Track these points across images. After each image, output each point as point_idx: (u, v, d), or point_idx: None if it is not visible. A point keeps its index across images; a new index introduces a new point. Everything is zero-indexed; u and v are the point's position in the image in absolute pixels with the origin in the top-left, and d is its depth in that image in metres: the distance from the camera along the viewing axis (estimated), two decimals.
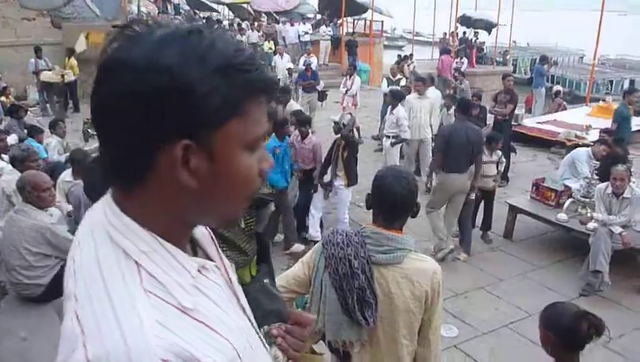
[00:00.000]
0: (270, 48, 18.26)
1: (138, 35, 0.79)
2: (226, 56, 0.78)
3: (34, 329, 3.75)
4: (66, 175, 6.16)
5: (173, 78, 0.74)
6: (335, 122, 6.63)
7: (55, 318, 3.94)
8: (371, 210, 2.25)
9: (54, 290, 4.12)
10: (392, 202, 2.13)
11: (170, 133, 0.76)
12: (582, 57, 29.54)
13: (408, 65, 17.75)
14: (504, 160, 7.07)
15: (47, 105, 13.29)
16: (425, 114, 8.48)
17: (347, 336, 2.17)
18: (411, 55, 19.52)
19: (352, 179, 6.44)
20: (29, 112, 9.28)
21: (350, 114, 6.94)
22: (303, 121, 6.78)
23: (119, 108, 0.76)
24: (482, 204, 6.87)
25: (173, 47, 0.76)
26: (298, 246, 6.46)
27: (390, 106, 8.39)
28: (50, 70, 13.06)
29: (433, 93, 9.39)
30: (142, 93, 0.75)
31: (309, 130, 6.72)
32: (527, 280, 5.98)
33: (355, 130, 11.60)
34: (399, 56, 19.01)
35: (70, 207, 5.79)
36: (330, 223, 6.77)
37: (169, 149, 0.77)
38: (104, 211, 0.84)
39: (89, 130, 8.01)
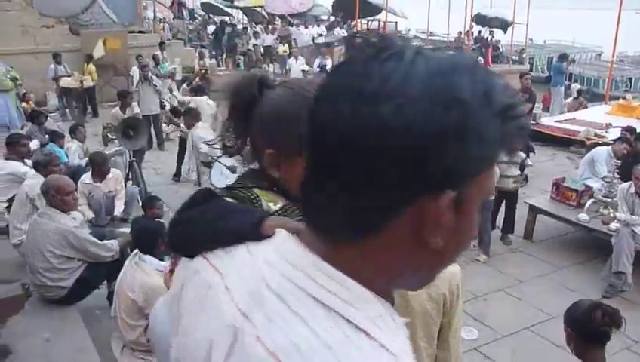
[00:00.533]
0: (285, 51, 18.32)
1: (398, 53, 0.64)
2: (507, 97, 0.66)
3: (57, 330, 3.81)
4: (86, 177, 6.26)
5: (466, 115, 0.61)
6: None
7: (78, 320, 4.01)
8: None
9: (77, 293, 4.20)
10: None
11: (439, 180, 0.62)
12: (599, 54, 29.18)
13: None
14: (530, 164, 6.96)
15: (67, 110, 13.48)
16: None
17: None
18: None
19: None
20: (48, 118, 9.40)
21: None
22: None
23: (385, 147, 0.61)
24: (504, 205, 6.79)
25: (464, 78, 0.62)
26: None
27: None
28: (69, 76, 13.25)
29: None
30: (423, 131, 0.60)
31: None
32: (548, 282, 5.92)
33: None
34: None
35: (91, 214, 5.88)
36: None
37: (428, 200, 0.63)
38: (301, 268, 0.70)
39: (108, 135, 8.11)
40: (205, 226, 0.92)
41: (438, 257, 0.70)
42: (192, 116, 7.35)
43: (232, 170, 5.96)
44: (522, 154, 6.75)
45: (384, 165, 0.61)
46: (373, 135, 0.60)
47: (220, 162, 6.25)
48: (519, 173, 6.71)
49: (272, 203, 1.12)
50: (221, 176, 6.27)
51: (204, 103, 8.87)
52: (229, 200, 1.08)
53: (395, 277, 0.72)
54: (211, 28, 22.88)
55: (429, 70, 0.62)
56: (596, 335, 2.32)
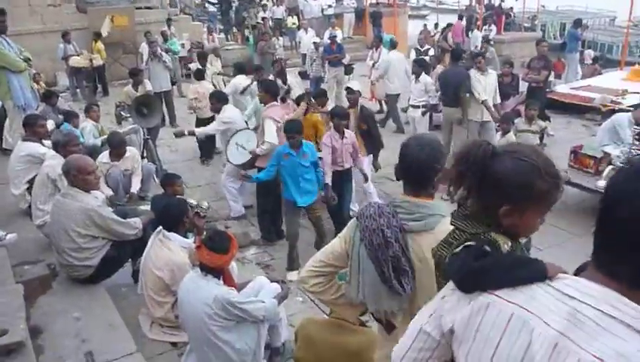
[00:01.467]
0: (294, 23, 18.12)
1: None
2: None
3: (86, 309, 3.87)
4: (103, 157, 6.31)
5: None
6: (351, 90, 6.62)
7: (107, 298, 4.07)
8: (402, 181, 2.26)
9: (103, 271, 4.26)
10: (417, 169, 2.15)
11: None
12: (613, 19, 28.57)
13: (434, 35, 17.48)
14: (552, 133, 6.90)
15: (77, 90, 13.49)
16: (489, 93, 7.59)
17: (388, 306, 2.20)
18: (436, 24, 19.22)
19: (368, 148, 6.57)
20: (60, 98, 9.40)
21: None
22: (342, 115, 5.96)
23: None
24: None
25: None
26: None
27: (415, 75, 8.27)
28: (78, 55, 13.21)
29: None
30: None
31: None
32: (566, 250, 5.91)
33: (383, 102, 11.62)
34: (425, 25, 18.72)
35: (110, 191, 5.93)
36: (361, 198, 6.77)
37: None
38: (606, 301, 1.06)
39: (122, 113, 8.10)
40: (503, 272, 1.30)
41: None
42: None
43: (251, 151, 6.18)
44: (542, 123, 6.69)
45: None
46: None
47: (233, 141, 6.33)
48: (538, 142, 6.68)
49: (504, 243, 1.44)
50: (237, 153, 6.33)
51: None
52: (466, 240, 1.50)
53: None
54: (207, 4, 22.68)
55: None
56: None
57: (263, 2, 20.39)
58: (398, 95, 10.15)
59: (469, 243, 1.46)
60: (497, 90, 7.77)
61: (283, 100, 6.86)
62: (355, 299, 2.27)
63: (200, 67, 10.58)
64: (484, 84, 7.57)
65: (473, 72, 7.75)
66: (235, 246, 3.28)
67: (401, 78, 9.91)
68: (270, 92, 6.48)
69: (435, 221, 2.12)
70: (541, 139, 6.81)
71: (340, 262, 2.35)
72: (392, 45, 11.02)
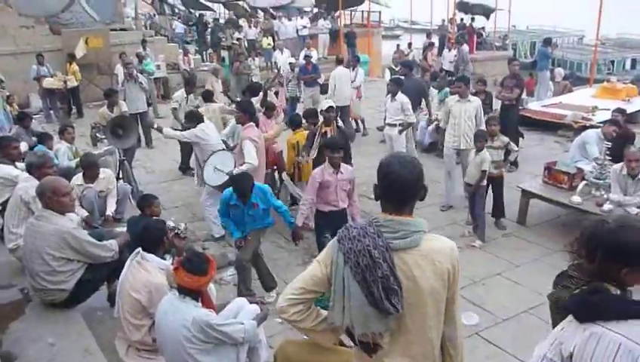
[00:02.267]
0: (269, 44, 18.23)
1: None
2: None
3: (61, 334, 3.78)
4: (77, 179, 6.21)
5: None
6: (329, 109, 6.67)
7: (82, 323, 3.99)
8: (379, 201, 2.25)
9: (78, 295, 4.17)
10: (400, 188, 2.14)
11: None
12: (581, 38, 29.45)
13: (407, 55, 17.77)
14: (516, 148, 6.96)
15: (51, 111, 13.31)
16: (467, 120, 7.27)
17: (376, 327, 2.17)
18: (410, 44, 19.54)
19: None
20: (33, 120, 9.28)
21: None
22: (336, 146, 5.27)
23: None
24: (491, 191, 6.83)
25: None
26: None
27: (391, 94, 8.37)
28: (52, 76, 13.06)
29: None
30: None
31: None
32: (544, 265, 5.98)
33: (359, 121, 11.73)
34: (398, 45, 19.03)
35: (85, 213, 5.83)
36: None
37: None
38: None
39: (97, 135, 8.00)
40: (616, 306, 1.77)
41: None
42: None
43: (229, 173, 6.05)
44: (505, 138, 6.78)
45: None
46: None
47: (210, 163, 6.32)
48: (502, 158, 6.74)
49: (614, 290, 1.83)
50: (213, 175, 6.31)
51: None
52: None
53: None
54: (176, 24, 22.74)
55: None
56: None
57: (238, 24, 20.50)
58: (347, 106, 11.20)
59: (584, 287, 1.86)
60: (482, 118, 7.36)
61: (268, 116, 6.94)
62: (340, 324, 2.22)
63: (210, 88, 10.54)
64: (459, 110, 7.27)
65: (451, 98, 7.60)
66: (213, 268, 3.25)
67: (348, 90, 11.17)
68: (247, 112, 6.49)
69: (419, 237, 2.13)
70: (506, 154, 6.85)
71: (320, 287, 2.29)
72: (339, 61, 11.81)
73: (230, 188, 5.14)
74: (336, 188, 5.32)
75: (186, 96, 9.35)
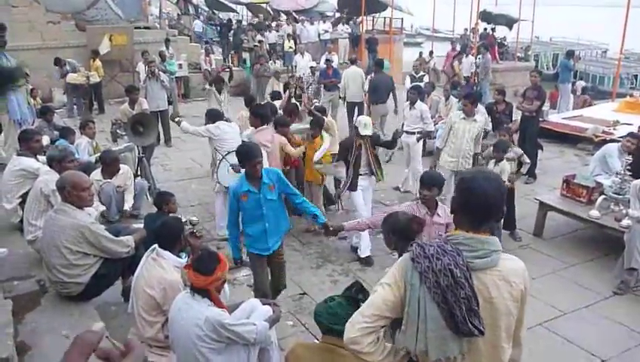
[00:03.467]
0: (290, 47, 18.30)
1: None
2: None
3: (75, 327, 3.80)
4: (96, 174, 6.28)
5: None
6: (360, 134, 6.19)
7: (95, 316, 4.01)
8: (453, 215, 2.20)
9: (93, 289, 4.21)
10: (483, 204, 2.07)
11: None
12: (605, 52, 29.08)
13: (428, 62, 17.72)
14: (527, 160, 6.85)
15: (74, 106, 13.49)
16: (469, 140, 6.79)
17: (452, 351, 2.08)
18: (431, 52, 19.46)
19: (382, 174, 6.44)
20: (55, 114, 9.40)
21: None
22: (433, 181, 4.39)
23: None
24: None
25: None
26: None
27: (410, 102, 8.32)
28: (75, 72, 13.25)
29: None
30: None
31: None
32: (560, 279, 5.92)
33: (374, 124, 11.71)
34: (420, 53, 18.96)
35: (102, 207, 5.89)
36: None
37: None
38: None
39: (117, 131, 8.07)
40: None
41: None
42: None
43: (236, 168, 5.98)
44: (518, 150, 6.70)
45: None
46: None
47: (226, 160, 6.27)
48: (515, 170, 6.64)
49: None
50: (227, 175, 6.27)
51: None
52: None
53: None
54: (196, 22, 22.81)
55: None
56: (412, 237, 3.31)
57: (265, 27, 20.55)
58: (362, 103, 11.64)
59: None
60: (480, 140, 6.95)
61: (282, 132, 6.69)
62: (413, 349, 2.10)
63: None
64: (463, 129, 6.77)
65: (456, 115, 7.03)
66: (222, 269, 3.23)
67: (358, 88, 11.49)
68: (259, 116, 6.42)
69: (497, 257, 2.07)
70: (519, 165, 6.74)
71: (394, 312, 2.15)
72: (352, 62, 12.79)
73: (239, 176, 4.59)
74: (429, 232, 4.18)
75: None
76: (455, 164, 6.84)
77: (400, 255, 3.37)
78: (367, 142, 6.24)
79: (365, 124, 6.21)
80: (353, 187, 6.27)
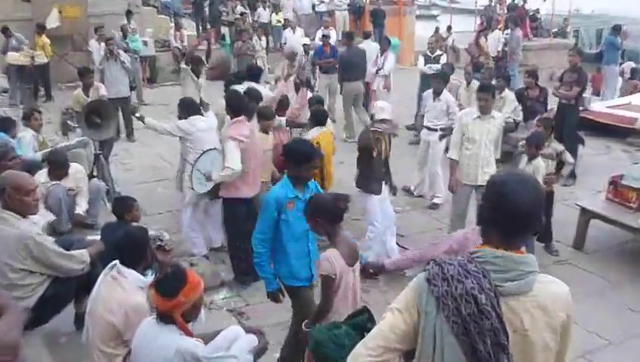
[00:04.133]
0: (279, 21, 18.25)
1: None
2: None
3: None
4: (42, 175, 6.26)
5: None
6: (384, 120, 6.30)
7: (41, 349, 4.00)
8: (480, 226, 2.16)
9: (40, 315, 4.19)
10: (517, 213, 2.03)
11: None
12: None
13: (446, 39, 17.74)
14: (571, 160, 6.85)
15: (17, 92, 13.39)
16: (489, 144, 6.45)
17: None
18: (449, 27, 19.51)
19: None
20: None
21: None
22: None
23: None
24: None
25: None
26: None
27: (434, 92, 8.25)
28: (17, 51, 13.15)
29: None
30: None
31: None
32: (605, 300, 5.94)
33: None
34: (437, 28, 18.99)
35: (51, 216, 5.87)
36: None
37: None
38: None
39: (69, 122, 8.05)
40: None
41: None
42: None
43: (208, 177, 6.00)
44: (559, 146, 6.70)
45: None
46: None
47: (198, 169, 6.17)
48: (553, 170, 6.65)
49: None
50: (201, 183, 6.21)
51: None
52: None
53: None
54: None
55: None
56: (340, 218, 3.75)
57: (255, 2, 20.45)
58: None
59: None
60: (500, 141, 6.71)
61: (263, 129, 6.75)
62: None
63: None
64: (480, 131, 6.40)
65: (467, 113, 6.73)
66: (191, 291, 3.20)
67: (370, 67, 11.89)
68: (232, 106, 6.13)
69: (533, 279, 2.01)
70: (559, 164, 6.74)
71: (404, 343, 2.10)
72: (366, 35, 13.80)
73: (282, 182, 4.32)
74: None
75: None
76: (474, 177, 6.46)
77: (330, 240, 3.78)
78: (386, 140, 6.25)
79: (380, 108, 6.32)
80: (375, 189, 6.22)
